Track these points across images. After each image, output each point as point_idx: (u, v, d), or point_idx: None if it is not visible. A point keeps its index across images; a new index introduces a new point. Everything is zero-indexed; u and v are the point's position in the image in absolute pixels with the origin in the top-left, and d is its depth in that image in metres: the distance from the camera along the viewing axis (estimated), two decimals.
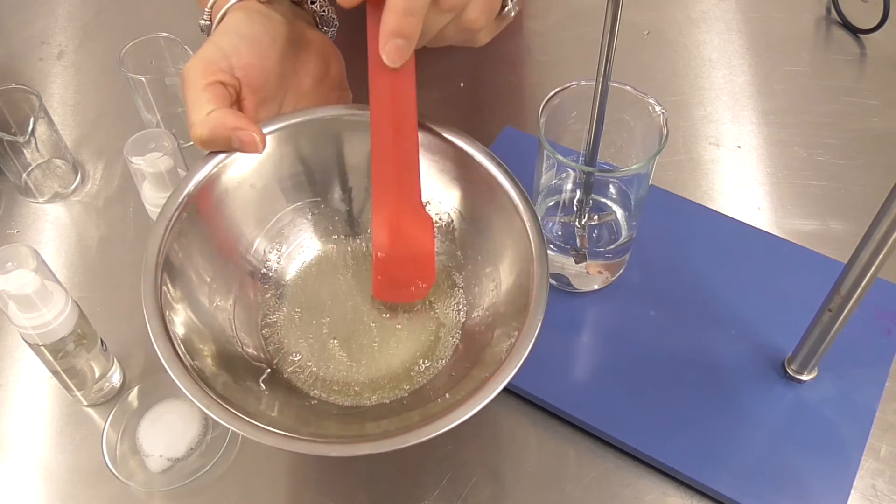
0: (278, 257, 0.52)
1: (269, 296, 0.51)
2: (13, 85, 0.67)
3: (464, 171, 0.49)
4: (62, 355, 0.53)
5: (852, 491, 0.52)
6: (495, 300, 0.48)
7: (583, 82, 0.54)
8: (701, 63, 0.81)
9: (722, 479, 0.52)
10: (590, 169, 0.56)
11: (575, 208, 0.59)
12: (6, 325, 0.62)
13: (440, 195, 0.50)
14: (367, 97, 0.45)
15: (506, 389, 0.57)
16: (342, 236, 0.53)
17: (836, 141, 0.74)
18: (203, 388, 0.41)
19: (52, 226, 0.69)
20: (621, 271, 0.62)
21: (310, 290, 0.52)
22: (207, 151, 0.47)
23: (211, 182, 0.47)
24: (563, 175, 0.60)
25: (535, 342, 0.42)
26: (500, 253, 0.48)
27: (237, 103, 0.49)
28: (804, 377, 0.56)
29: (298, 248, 0.53)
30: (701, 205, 0.67)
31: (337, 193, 0.52)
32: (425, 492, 0.53)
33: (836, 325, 0.51)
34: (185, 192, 0.47)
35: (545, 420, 0.57)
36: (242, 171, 0.49)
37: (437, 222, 0.51)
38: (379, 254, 0.48)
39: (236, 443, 0.56)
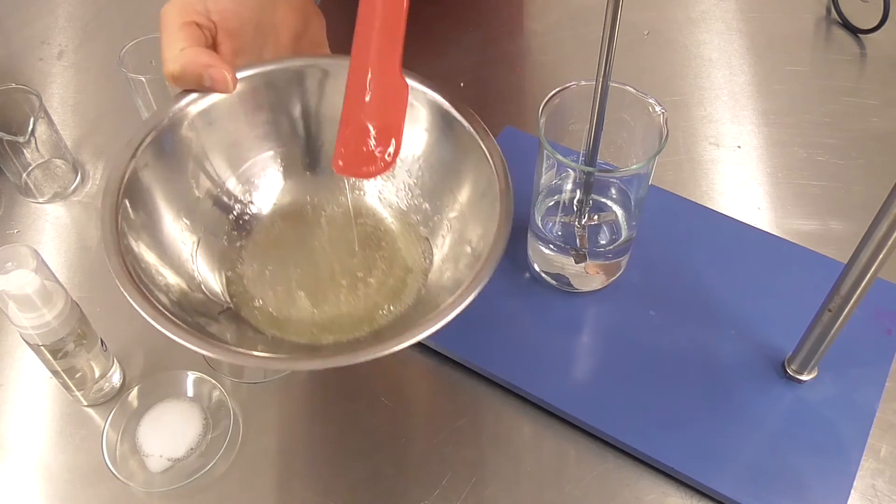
0: (247, 205, 0.51)
1: (238, 244, 0.51)
2: (13, 85, 0.67)
3: (435, 122, 0.49)
4: (62, 355, 0.53)
5: (852, 491, 0.52)
6: (457, 249, 0.48)
7: (583, 82, 0.54)
8: (701, 63, 0.81)
9: (722, 479, 0.52)
10: (590, 169, 0.56)
11: (575, 208, 0.59)
12: (6, 325, 0.62)
13: (410, 145, 0.49)
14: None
15: (506, 389, 0.58)
16: (313, 187, 0.53)
17: (836, 141, 0.74)
18: (157, 306, 0.41)
19: (52, 226, 0.69)
20: (621, 271, 0.62)
21: (279, 243, 0.51)
22: (180, 89, 0.48)
23: (180, 119, 0.47)
24: (563, 175, 0.60)
25: (488, 280, 0.42)
26: (465, 204, 0.48)
27: (213, 47, 0.50)
28: (804, 377, 0.56)
29: (268, 197, 0.52)
30: (701, 205, 0.67)
31: (309, 143, 0.52)
32: (425, 492, 0.53)
33: (836, 325, 0.51)
34: (153, 126, 0.46)
35: (545, 420, 0.57)
36: (214, 113, 0.49)
37: (406, 170, 0.51)
38: (347, 122, 0.46)
39: (236, 443, 0.56)
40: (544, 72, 0.80)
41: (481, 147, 0.47)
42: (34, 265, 0.48)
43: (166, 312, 0.41)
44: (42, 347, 0.52)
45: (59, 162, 0.71)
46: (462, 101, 0.48)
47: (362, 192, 0.52)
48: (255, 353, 0.41)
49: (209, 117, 0.49)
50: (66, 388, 0.56)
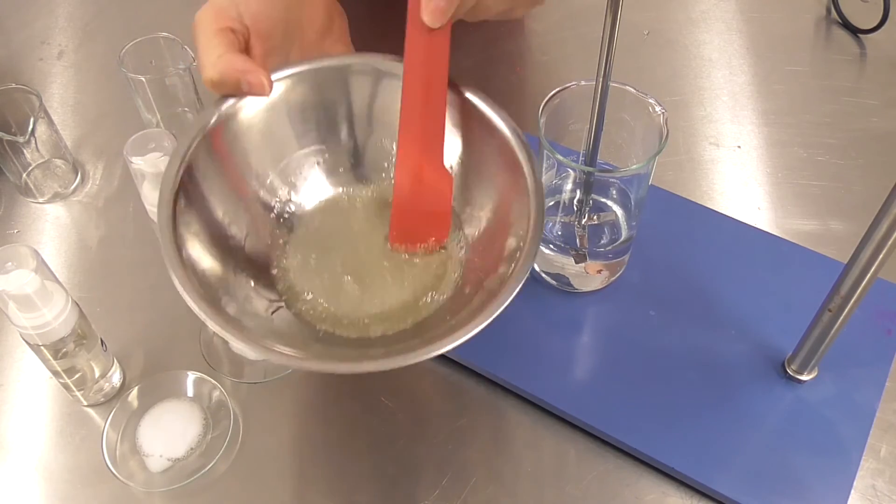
0: (289, 201, 0.53)
1: (281, 241, 0.52)
2: (13, 85, 0.67)
3: (466, 119, 0.50)
4: (62, 355, 0.53)
5: (852, 491, 0.52)
6: (493, 240, 0.49)
7: (583, 82, 0.54)
8: (701, 63, 0.81)
9: (722, 479, 0.52)
10: (590, 169, 0.56)
11: (575, 208, 0.59)
12: (6, 325, 0.62)
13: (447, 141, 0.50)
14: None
15: (506, 389, 0.58)
16: (349, 183, 0.54)
17: (836, 141, 0.74)
18: (212, 307, 0.43)
19: (52, 226, 0.69)
20: (621, 271, 0.62)
21: (321, 233, 0.52)
22: (218, 95, 0.49)
23: (222, 123, 0.49)
24: (563, 175, 0.60)
25: (528, 274, 0.43)
26: (499, 196, 0.49)
27: (246, 51, 0.51)
28: (804, 377, 0.56)
29: (308, 193, 0.53)
30: (701, 205, 0.67)
31: (344, 141, 0.53)
32: (425, 492, 0.53)
33: (836, 325, 0.51)
34: (199, 128, 0.48)
35: (545, 420, 0.57)
36: (252, 115, 0.50)
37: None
38: (399, 204, 0.49)
39: (236, 443, 0.56)
40: (544, 72, 0.80)
41: (510, 141, 0.48)
42: (34, 265, 0.48)
43: (239, 325, 0.42)
44: (42, 347, 0.52)
45: (59, 162, 0.71)
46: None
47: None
48: (323, 359, 0.43)
49: (248, 120, 0.50)
50: (66, 388, 0.56)
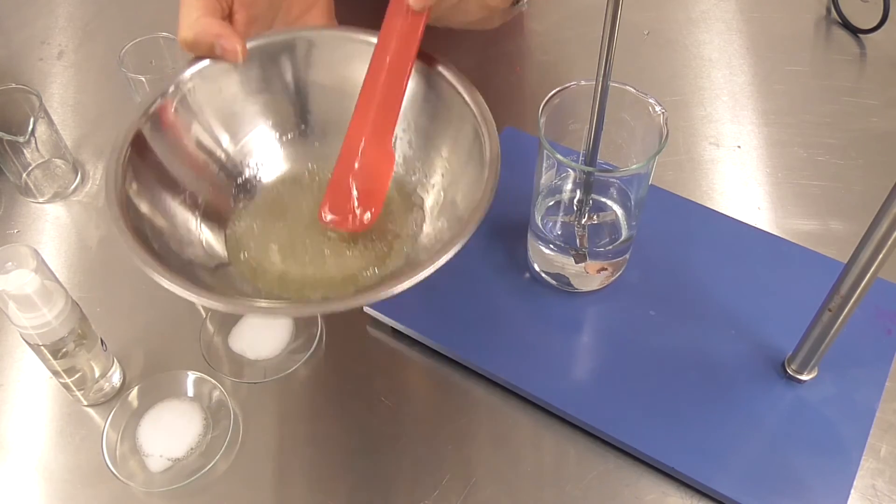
0: (247, 171, 0.54)
1: (241, 206, 0.53)
2: (13, 85, 0.67)
3: (428, 89, 0.51)
4: (62, 355, 0.53)
5: (852, 491, 0.52)
6: (446, 213, 0.50)
7: (583, 82, 0.54)
8: (701, 63, 0.81)
9: (722, 479, 0.52)
10: (590, 169, 0.56)
11: (575, 208, 0.59)
12: (6, 325, 0.62)
13: (404, 114, 0.51)
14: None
15: (506, 389, 0.58)
16: (314, 160, 0.55)
17: (836, 141, 0.74)
18: (155, 258, 0.43)
19: (52, 226, 0.69)
20: (621, 271, 0.62)
21: (275, 203, 0.53)
22: (192, 56, 0.51)
23: (188, 85, 0.51)
24: (563, 175, 0.60)
25: (469, 237, 0.44)
26: (454, 166, 0.50)
27: (229, 17, 0.52)
28: (804, 377, 0.56)
29: (272, 166, 0.55)
30: (701, 205, 0.67)
31: (312, 116, 0.54)
32: (425, 492, 0.54)
33: (836, 325, 0.51)
34: (163, 91, 0.50)
35: (545, 420, 0.57)
36: (219, 82, 0.52)
37: (400, 137, 0.53)
38: (336, 182, 0.50)
39: (236, 443, 0.56)
40: (544, 72, 0.80)
41: (468, 105, 0.49)
42: (34, 265, 0.48)
43: (163, 263, 0.43)
44: (42, 347, 0.52)
45: (59, 162, 0.71)
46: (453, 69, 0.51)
47: None
48: (251, 300, 0.45)
49: (212, 85, 0.52)
50: (67, 388, 0.56)
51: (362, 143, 0.49)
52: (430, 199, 0.52)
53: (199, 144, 0.52)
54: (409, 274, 0.42)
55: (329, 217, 0.50)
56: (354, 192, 0.49)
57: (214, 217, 0.51)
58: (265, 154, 0.54)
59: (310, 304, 0.47)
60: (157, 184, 0.49)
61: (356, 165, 0.49)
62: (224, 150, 0.53)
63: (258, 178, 0.54)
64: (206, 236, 0.51)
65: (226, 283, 0.49)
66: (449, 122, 0.50)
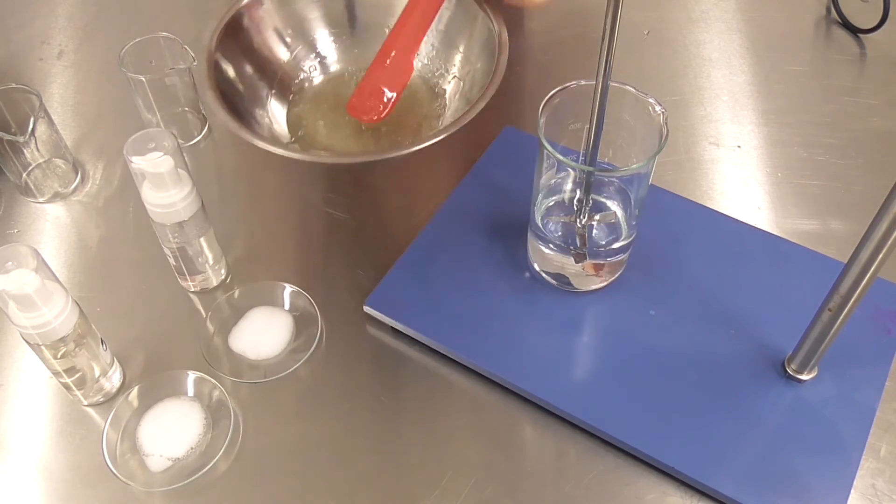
0: (307, 65, 0.75)
1: (299, 94, 0.74)
2: (13, 85, 0.67)
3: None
4: (62, 355, 0.53)
5: (852, 491, 0.52)
6: (464, 94, 0.68)
7: (583, 82, 0.54)
8: (701, 63, 0.81)
9: (722, 478, 0.52)
10: (590, 169, 0.56)
11: (575, 208, 0.59)
12: (6, 325, 0.62)
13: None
14: None
15: (506, 389, 0.58)
16: (350, 62, 0.76)
17: (836, 141, 0.74)
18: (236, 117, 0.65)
19: (52, 226, 0.69)
20: (621, 271, 0.62)
21: (323, 94, 0.73)
22: None
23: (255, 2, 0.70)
24: (563, 175, 0.60)
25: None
26: (469, 58, 0.69)
27: None
28: (804, 377, 0.56)
29: (320, 64, 0.74)
30: (701, 205, 0.67)
31: (355, 22, 0.75)
32: (425, 492, 0.54)
33: (836, 325, 0.51)
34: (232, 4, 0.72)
35: (545, 420, 0.57)
36: None
37: (423, 43, 0.70)
38: (366, 80, 0.66)
39: (236, 443, 0.56)
40: (544, 72, 0.80)
41: (482, 8, 0.68)
42: (34, 265, 0.48)
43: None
44: (42, 347, 0.52)
45: (59, 162, 0.71)
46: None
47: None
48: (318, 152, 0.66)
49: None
50: (67, 388, 0.56)
51: (389, 58, 0.63)
52: (451, 88, 0.69)
53: (274, 41, 0.68)
54: (428, 137, 0.61)
55: (352, 107, 0.67)
56: (379, 90, 0.65)
57: (280, 99, 0.71)
58: (322, 53, 0.72)
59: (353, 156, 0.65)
60: (242, 58, 0.65)
61: (383, 69, 0.64)
62: (290, 48, 0.70)
63: (313, 73, 0.74)
64: (271, 114, 0.68)
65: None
66: (465, 22, 0.66)
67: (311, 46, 0.75)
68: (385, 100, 0.64)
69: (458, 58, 0.70)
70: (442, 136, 0.66)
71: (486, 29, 0.67)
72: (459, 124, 0.66)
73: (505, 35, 0.66)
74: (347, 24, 0.75)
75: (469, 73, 0.69)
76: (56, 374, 0.55)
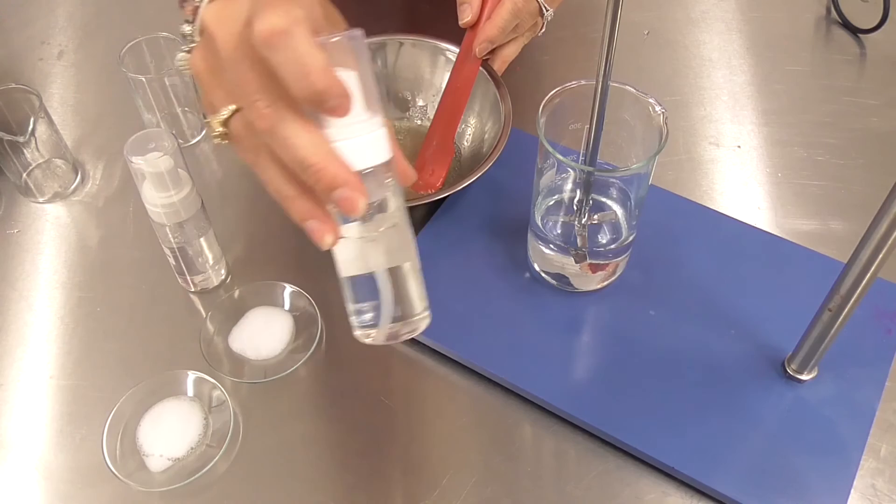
0: None
1: None
2: (13, 85, 0.67)
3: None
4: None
5: (852, 491, 0.52)
6: (475, 151, 0.70)
7: (583, 82, 0.54)
8: (701, 63, 0.81)
9: (722, 478, 0.52)
10: (590, 169, 0.56)
11: (575, 208, 0.59)
12: (6, 324, 0.62)
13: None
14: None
15: (506, 389, 0.58)
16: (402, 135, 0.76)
17: (836, 141, 0.74)
18: None
19: (52, 226, 0.69)
20: (621, 271, 0.62)
21: None
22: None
23: None
24: (563, 175, 0.60)
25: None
26: (481, 121, 0.72)
27: None
28: (804, 377, 0.56)
29: None
30: (701, 205, 0.67)
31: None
32: (425, 492, 0.53)
33: (836, 325, 0.51)
34: None
35: (545, 420, 0.57)
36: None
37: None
38: (420, 159, 0.69)
39: (237, 442, 0.56)
40: (544, 72, 0.80)
41: (491, 81, 0.70)
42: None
43: None
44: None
45: (59, 162, 0.71)
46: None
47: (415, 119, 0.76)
48: None
49: None
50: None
51: (432, 147, 0.69)
52: (466, 146, 0.72)
53: None
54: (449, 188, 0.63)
55: (414, 184, 0.68)
56: (430, 169, 0.69)
57: None
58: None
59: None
60: None
61: (430, 152, 0.69)
62: None
63: None
64: None
65: None
66: (477, 92, 0.70)
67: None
68: (437, 177, 0.69)
69: (472, 119, 0.72)
70: None
71: (493, 96, 0.69)
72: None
73: (509, 107, 0.68)
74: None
75: (479, 133, 0.72)
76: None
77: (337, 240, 0.40)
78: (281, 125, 0.37)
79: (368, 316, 0.44)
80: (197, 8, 0.49)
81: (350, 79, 0.38)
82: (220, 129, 0.41)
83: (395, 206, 0.42)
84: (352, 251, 0.42)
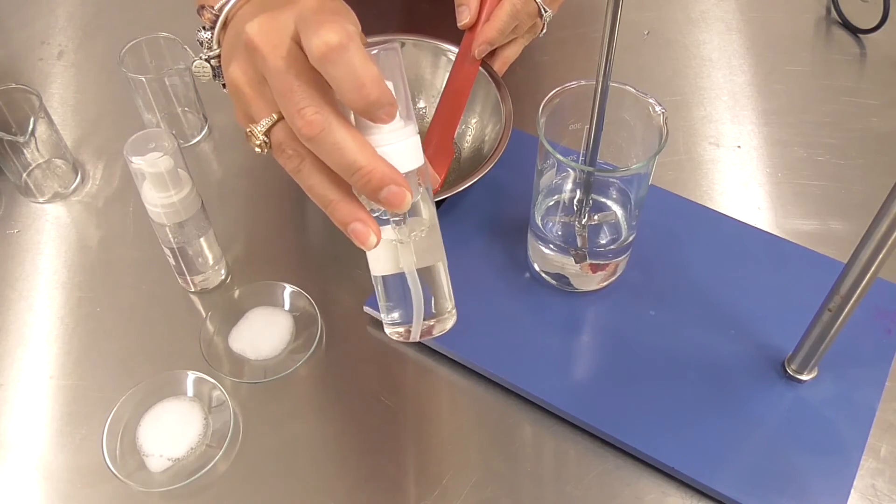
0: None
1: None
2: (13, 85, 0.67)
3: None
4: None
5: (852, 491, 0.52)
6: (476, 153, 0.70)
7: (583, 82, 0.54)
8: (701, 63, 0.81)
9: (722, 479, 0.52)
10: (590, 169, 0.56)
11: (575, 208, 0.59)
12: (6, 324, 0.62)
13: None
14: None
15: (506, 389, 0.58)
16: None
17: (836, 141, 0.74)
18: None
19: (52, 226, 0.69)
20: (621, 271, 0.62)
21: None
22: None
23: None
24: (563, 175, 0.60)
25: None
26: (483, 121, 0.72)
27: None
28: (804, 377, 0.56)
29: None
30: (701, 205, 0.67)
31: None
32: (425, 492, 0.54)
33: (836, 325, 0.51)
34: None
35: (545, 420, 0.57)
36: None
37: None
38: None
39: (237, 442, 0.56)
40: (544, 72, 0.80)
41: (492, 82, 0.70)
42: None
43: None
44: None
45: (59, 162, 0.71)
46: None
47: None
48: None
49: None
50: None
51: (436, 138, 0.67)
52: (467, 147, 0.72)
53: None
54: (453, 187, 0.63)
55: None
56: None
57: None
58: None
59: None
60: None
61: (430, 152, 0.66)
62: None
63: None
64: None
65: None
66: (478, 93, 0.70)
67: None
68: (435, 178, 0.68)
69: (473, 120, 0.72)
70: None
71: (495, 97, 0.69)
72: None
73: (509, 107, 0.68)
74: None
75: (480, 134, 0.72)
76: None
77: (379, 241, 0.42)
78: (329, 131, 0.39)
79: (399, 314, 0.46)
80: (216, 17, 0.50)
81: (391, 88, 0.40)
82: (263, 137, 0.42)
83: (427, 208, 0.44)
84: (387, 252, 0.44)
